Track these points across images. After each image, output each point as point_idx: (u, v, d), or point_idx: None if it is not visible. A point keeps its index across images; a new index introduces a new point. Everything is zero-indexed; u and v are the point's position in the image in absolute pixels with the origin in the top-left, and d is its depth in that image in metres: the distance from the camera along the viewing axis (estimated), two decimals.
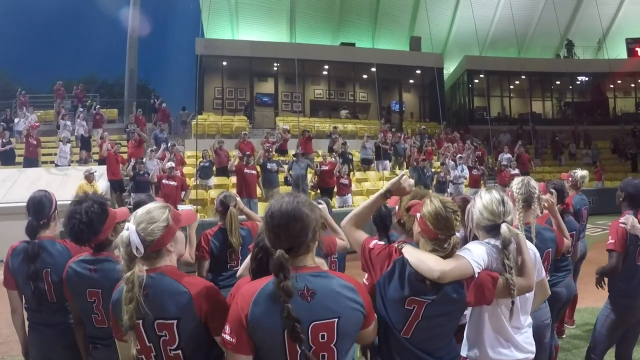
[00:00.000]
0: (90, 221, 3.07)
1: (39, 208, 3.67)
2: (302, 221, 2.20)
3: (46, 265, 3.49)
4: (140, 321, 2.29)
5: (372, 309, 2.37)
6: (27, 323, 3.71)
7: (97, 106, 23.91)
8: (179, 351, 2.33)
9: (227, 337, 2.14)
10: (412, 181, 3.03)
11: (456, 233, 2.75)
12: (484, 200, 3.05)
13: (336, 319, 2.14)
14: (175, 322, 2.29)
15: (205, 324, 2.37)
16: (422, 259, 2.66)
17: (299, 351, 2.08)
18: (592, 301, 7.34)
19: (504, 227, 2.88)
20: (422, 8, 29.43)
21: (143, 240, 2.31)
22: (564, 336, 6.45)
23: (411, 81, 33.11)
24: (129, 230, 2.30)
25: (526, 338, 3.11)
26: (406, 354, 2.72)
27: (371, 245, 2.87)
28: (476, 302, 2.80)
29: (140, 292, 2.24)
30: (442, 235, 2.67)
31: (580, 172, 6.77)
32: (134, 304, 2.22)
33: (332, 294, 2.17)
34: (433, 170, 18.09)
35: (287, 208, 2.20)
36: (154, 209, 2.44)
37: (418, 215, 2.76)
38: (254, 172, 14.55)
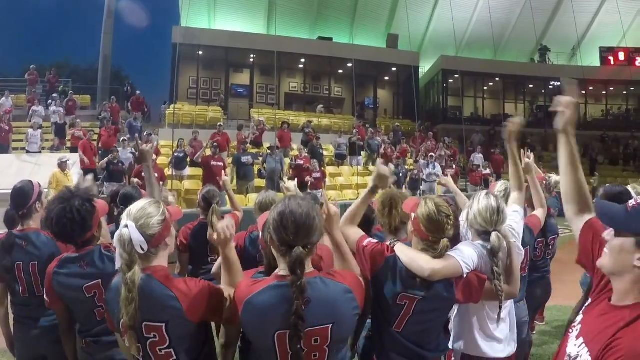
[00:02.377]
0: (83, 220, 2.99)
1: (20, 198, 3.59)
2: (315, 221, 2.23)
3: (32, 258, 3.42)
4: None
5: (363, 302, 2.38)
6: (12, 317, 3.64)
7: (70, 92, 23.47)
8: (171, 350, 2.31)
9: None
10: (387, 168, 3.12)
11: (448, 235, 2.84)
12: (480, 205, 3.15)
13: (330, 325, 2.15)
14: (164, 325, 2.28)
15: (201, 323, 2.39)
16: (413, 257, 2.77)
17: (290, 353, 2.10)
18: (562, 299, 7.48)
19: (493, 236, 3.00)
20: (401, 6, 29.52)
21: (145, 235, 2.29)
22: (534, 332, 6.57)
23: (386, 78, 33.29)
24: (129, 228, 2.26)
25: (503, 331, 3.24)
26: (399, 346, 2.83)
27: (364, 243, 2.93)
28: (464, 301, 2.92)
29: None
30: (433, 237, 2.77)
31: (555, 178, 6.86)
32: (135, 304, 2.19)
33: (327, 302, 2.18)
34: (407, 167, 18.16)
35: (305, 207, 2.21)
36: (148, 205, 2.41)
37: (412, 215, 2.87)
38: (220, 163, 14.48)
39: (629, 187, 4.58)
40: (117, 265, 2.25)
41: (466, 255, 2.87)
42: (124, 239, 2.24)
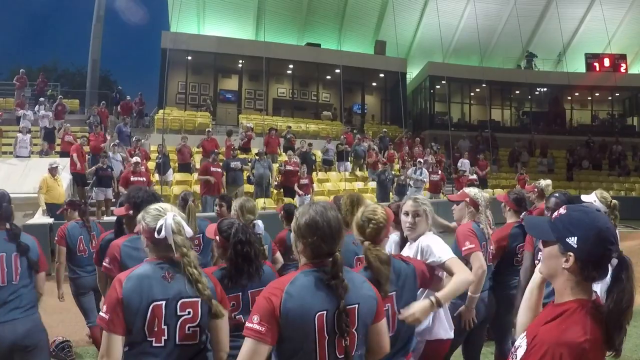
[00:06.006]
0: None
1: None
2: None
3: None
4: (164, 302, 2.50)
5: (382, 303, 2.52)
6: None
7: (60, 96, 23.35)
8: (198, 328, 2.62)
9: (256, 326, 2.14)
10: None
11: (386, 238, 3.14)
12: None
13: (356, 305, 2.31)
14: (199, 300, 2.61)
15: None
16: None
17: (327, 337, 2.21)
18: None
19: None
20: (388, 12, 29.71)
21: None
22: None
23: (374, 84, 33.46)
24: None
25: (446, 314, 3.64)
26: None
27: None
28: (421, 286, 3.22)
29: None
30: (360, 238, 3.05)
31: (544, 182, 6.82)
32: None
33: (351, 281, 2.32)
34: (394, 173, 18.21)
35: (337, 216, 2.37)
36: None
37: None
38: (219, 170, 14.48)
39: (596, 193, 4.58)
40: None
41: (445, 246, 3.30)
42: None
